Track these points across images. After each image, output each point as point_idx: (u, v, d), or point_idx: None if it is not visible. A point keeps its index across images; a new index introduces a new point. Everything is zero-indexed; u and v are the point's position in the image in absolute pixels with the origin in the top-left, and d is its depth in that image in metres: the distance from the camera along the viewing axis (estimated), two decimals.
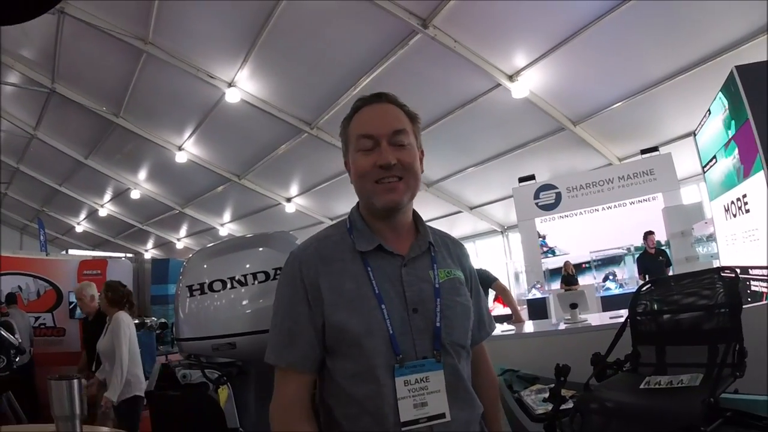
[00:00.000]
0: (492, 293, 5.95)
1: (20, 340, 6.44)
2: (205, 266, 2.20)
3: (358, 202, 1.46)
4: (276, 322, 1.37)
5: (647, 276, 8.08)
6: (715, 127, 5.84)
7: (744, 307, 1.96)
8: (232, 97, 10.20)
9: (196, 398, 2.09)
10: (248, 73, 9.78)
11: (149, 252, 22.53)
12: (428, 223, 1.51)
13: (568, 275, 10.29)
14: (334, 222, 1.47)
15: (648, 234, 8.75)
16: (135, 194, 16.37)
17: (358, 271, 1.34)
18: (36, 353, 7.93)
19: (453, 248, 1.52)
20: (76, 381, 1.83)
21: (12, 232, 23.32)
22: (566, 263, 10.44)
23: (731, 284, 1.97)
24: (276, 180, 14.24)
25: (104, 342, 4.30)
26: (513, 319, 5.37)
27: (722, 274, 2.06)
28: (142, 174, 15.62)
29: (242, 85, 10.11)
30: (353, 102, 1.43)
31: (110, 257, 11.55)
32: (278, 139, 11.71)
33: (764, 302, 4.35)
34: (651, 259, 8.62)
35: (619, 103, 9.07)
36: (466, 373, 1.38)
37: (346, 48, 8.85)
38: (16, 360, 6.23)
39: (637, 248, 10.05)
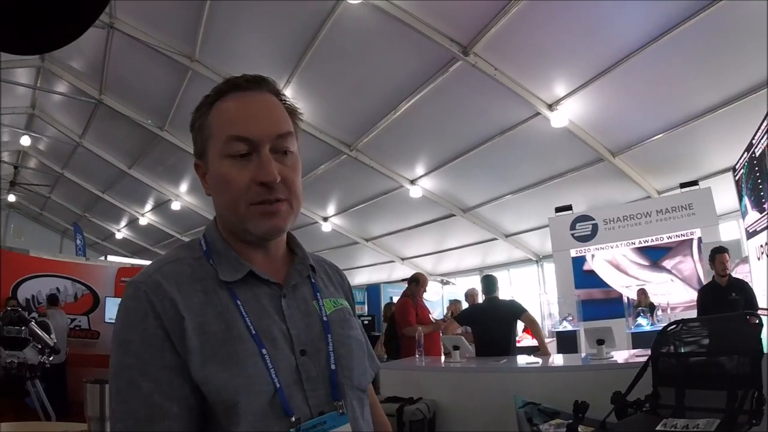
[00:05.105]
0: (521, 324, 5.98)
1: (55, 341, 6.67)
2: None
3: (215, 218, 1.12)
4: (124, 395, 0.90)
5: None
6: None
7: (766, 353, 1.92)
8: None
9: None
10: (291, 94, 9.70)
11: None
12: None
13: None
14: (188, 242, 1.12)
15: (716, 253, 5.86)
16: (176, 206, 16.71)
17: (226, 305, 0.98)
18: (70, 354, 8.19)
19: (332, 274, 1.25)
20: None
21: (54, 234, 24.07)
22: (641, 291, 9.14)
23: (754, 331, 1.94)
24: (314, 199, 14.35)
25: None
26: (539, 351, 5.34)
27: (748, 320, 2.03)
28: (184, 186, 15.93)
29: None
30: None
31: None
32: (318, 159, 11.83)
33: None
34: (719, 293, 5.76)
35: (660, 135, 8.90)
36: (369, 424, 1.10)
37: (387, 73, 8.96)
38: (50, 359, 6.45)
39: None
